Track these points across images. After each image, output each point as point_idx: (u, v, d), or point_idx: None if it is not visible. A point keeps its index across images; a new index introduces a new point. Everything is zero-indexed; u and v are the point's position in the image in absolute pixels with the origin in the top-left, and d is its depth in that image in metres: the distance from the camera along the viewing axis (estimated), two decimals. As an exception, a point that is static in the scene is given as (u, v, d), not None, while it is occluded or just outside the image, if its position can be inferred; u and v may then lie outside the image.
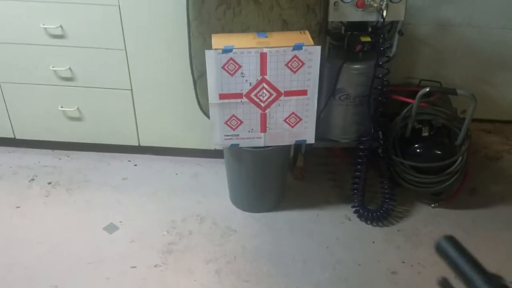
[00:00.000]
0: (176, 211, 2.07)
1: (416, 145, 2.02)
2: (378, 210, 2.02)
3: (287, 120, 1.79)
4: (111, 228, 1.98)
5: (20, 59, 2.08)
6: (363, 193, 2.06)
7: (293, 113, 1.77)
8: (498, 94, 2.54)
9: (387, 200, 2.04)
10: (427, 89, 1.88)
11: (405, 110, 2.00)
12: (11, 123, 2.27)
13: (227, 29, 1.78)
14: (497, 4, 2.30)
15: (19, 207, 2.08)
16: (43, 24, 1.97)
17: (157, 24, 1.95)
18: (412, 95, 2.00)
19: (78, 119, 2.23)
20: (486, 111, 2.52)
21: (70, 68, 2.08)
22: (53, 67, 2.07)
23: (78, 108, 2.19)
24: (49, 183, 2.22)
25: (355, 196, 2.07)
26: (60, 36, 2.00)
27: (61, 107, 2.19)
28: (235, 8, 1.75)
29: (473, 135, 2.37)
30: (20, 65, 2.10)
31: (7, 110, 2.23)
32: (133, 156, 2.38)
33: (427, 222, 2.03)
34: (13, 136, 2.32)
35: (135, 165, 2.34)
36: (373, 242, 1.94)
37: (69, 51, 2.04)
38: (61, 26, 1.97)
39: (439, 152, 1.98)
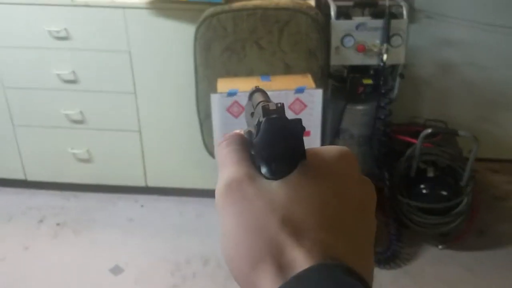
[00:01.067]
0: (180, 252, 2.07)
1: (422, 186, 2.01)
2: (385, 252, 2.00)
3: (291, 161, 1.81)
4: (116, 270, 1.98)
5: (33, 103, 2.15)
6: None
7: (296, 154, 1.79)
8: (505, 133, 2.54)
9: (394, 242, 2.02)
10: (429, 130, 1.89)
11: (409, 151, 2.01)
12: (22, 165, 2.32)
13: (232, 73, 1.84)
14: (497, 45, 2.34)
15: (27, 247, 2.10)
16: (56, 70, 2.05)
17: (166, 69, 2.02)
18: (417, 135, 2.01)
19: (87, 160, 2.27)
20: (493, 150, 2.51)
21: (81, 112, 2.14)
22: (64, 110, 2.14)
23: (87, 150, 2.24)
24: (57, 224, 2.24)
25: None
26: (72, 81, 2.07)
27: (71, 149, 2.24)
28: (239, 53, 1.82)
29: (480, 174, 2.36)
30: (33, 109, 2.17)
31: (19, 153, 2.29)
32: (140, 197, 2.40)
33: (434, 263, 2.00)
34: (24, 178, 2.36)
35: (142, 205, 2.36)
36: (380, 285, 1.90)
37: (80, 95, 2.11)
38: (73, 72, 2.05)
39: (445, 193, 1.97)
